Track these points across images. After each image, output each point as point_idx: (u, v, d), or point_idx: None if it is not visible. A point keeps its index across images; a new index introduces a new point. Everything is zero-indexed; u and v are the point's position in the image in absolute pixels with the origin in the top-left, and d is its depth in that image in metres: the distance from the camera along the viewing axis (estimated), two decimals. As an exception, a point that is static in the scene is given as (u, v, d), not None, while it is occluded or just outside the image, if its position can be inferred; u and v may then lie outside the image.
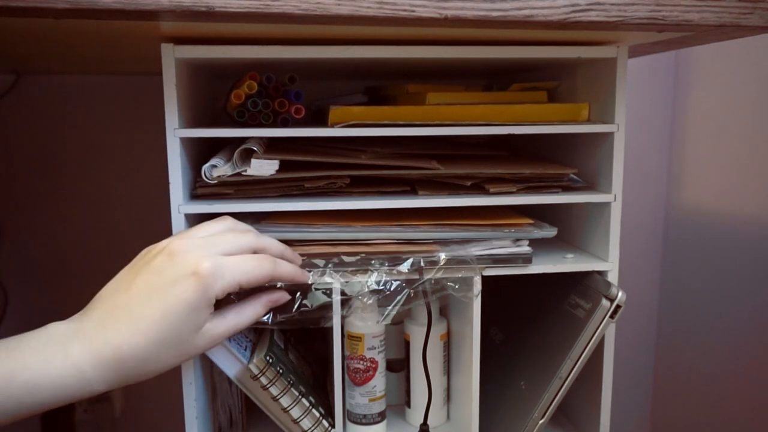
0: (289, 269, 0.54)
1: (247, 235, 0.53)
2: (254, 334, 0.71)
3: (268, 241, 0.54)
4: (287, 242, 0.65)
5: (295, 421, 0.65)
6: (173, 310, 0.46)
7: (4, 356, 0.44)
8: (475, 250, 0.65)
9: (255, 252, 0.53)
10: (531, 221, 0.68)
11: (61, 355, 0.44)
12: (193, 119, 0.68)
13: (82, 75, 1.04)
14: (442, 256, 0.64)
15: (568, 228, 0.77)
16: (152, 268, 0.48)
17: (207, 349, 0.50)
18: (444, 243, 0.66)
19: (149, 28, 0.53)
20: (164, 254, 0.49)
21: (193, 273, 0.47)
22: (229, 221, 0.55)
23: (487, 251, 0.65)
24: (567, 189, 0.69)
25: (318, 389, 0.72)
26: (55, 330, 0.46)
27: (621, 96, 0.65)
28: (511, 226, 0.66)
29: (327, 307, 0.61)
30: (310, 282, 0.59)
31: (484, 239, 0.66)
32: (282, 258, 0.55)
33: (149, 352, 0.46)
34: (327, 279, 0.61)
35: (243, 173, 0.61)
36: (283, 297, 0.55)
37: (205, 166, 0.61)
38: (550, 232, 0.67)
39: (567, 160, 0.76)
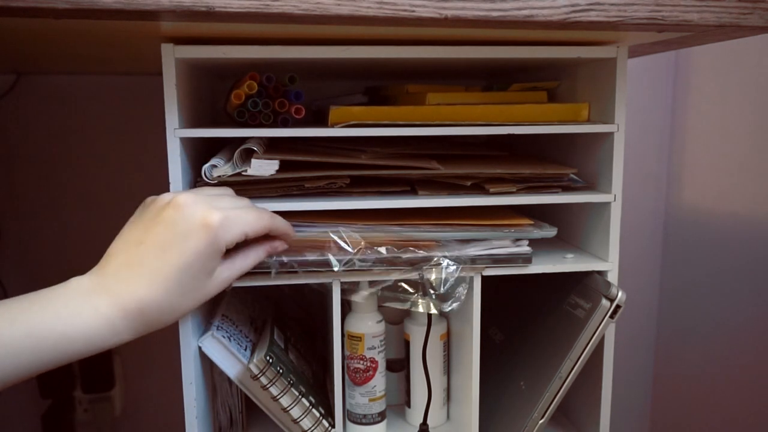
0: (283, 223, 0.58)
1: (244, 199, 0.58)
2: (254, 334, 0.71)
3: (262, 207, 0.59)
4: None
5: (295, 421, 0.65)
6: (188, 262, 0.50)
7: (37, 308, 0.46)
8: (475, 250, 0.65)
9: None
10: (531, 221, 0.68)
11: (89, 308, 0.47)
12: (193, 119, 0.68)
13: (82, 75, 1.04)
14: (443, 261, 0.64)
15: (568, 228, 0.77)
16: (162, 221, 0.51)
17: (218, 292, 0.54)
18: (444, 244, 0.67)
19: (149, 28, 0.53)
20: (172, 207, 0.51)
21: (204, 225, 0.50)
22: (227, 189, 0.59)
23: (487, 251, 0.65)
24: (567, 189, 0.69)
25: (318, 389, 0.72)
26: (78, 284, 0.49)
27: (621, 96, 0.65)
28: (511, 226, 0.66)
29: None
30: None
31: (484, 239, 0.66)
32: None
33: (168, 302, 0.50)
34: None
35: (243, 173, 0.61)
36: (281, 245, 0.59)
37: (205, 166, 0.61)
38: (550, 232, 0.67)
39: (567, 160, 0.76)
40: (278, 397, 0.64)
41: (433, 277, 0.64)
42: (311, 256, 0.62)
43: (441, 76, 0.91)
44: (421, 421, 0.69)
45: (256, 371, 0.63)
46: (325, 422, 0.67)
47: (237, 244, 0.55)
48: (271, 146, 0.67)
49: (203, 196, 0.53)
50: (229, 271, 0.54)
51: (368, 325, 0.70)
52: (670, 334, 1.19)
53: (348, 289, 0.66)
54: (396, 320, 0.79)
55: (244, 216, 0.53)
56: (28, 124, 1.05)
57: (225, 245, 0.52)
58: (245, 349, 0.66)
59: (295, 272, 0.62)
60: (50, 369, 0.47)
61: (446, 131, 0.63)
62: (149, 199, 0.55)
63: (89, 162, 1.07)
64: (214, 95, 0.87)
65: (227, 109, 0.73)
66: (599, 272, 0.68)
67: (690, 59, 1.10)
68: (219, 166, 0.61)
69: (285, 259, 0.61)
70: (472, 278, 0.66)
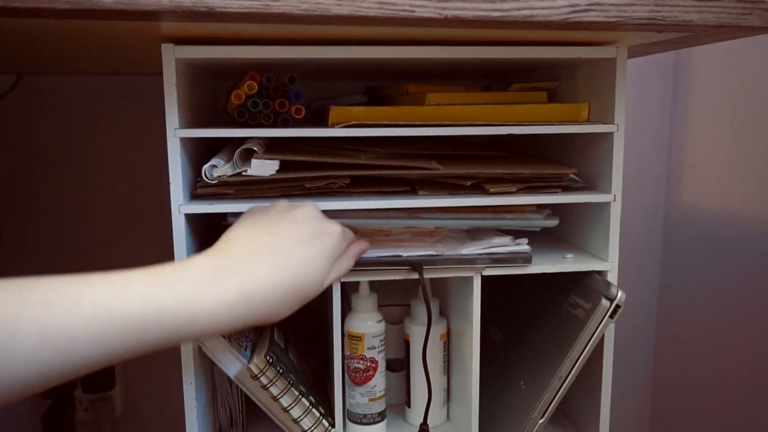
0: (361, 250, 0.61)
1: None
2: (254, 334, 0.71)
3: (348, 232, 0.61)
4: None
5: (295, 421, 0.65)
6: (315, 258, 0.52)
7: (157, 284, 0.43)
8: (475, 250, 0.65)
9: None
10: (534, 206, 0.67)
11: (217, 289, 0.45)
12: (193, 119, 0.68)
13: (82, 75, 1.04)
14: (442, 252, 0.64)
15: (568, 228, 0.77)
16: (296, 219, 0.53)
17: (313, 297, 0.54)
18: (444, 241, 0.67)
19: (149, 28, 0.53)
20: (305, 208, 0.55)
21: (330, 233, 0.54)
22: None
23: (487, 251, 0.65)
24: (567, 189, 0.69)
25: (318, 389, 0.72)
26: (202, 265, 0.47)
27: (621, 96, 0.65)
28: (513, 211, 0.66)
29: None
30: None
31: (486, 226, 0.66)
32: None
33: (287, 293, 0.50)
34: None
35: (243, 173, 0.61)
36: (367, 247, 0.61)
37: (206, 166, 0.61)
38: (552, 221, 0.67)
39: (567, 160, 0.76)
40: (278, 397, 0.64)
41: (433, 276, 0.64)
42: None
43: (441, 76, 0.91)
44: (421, 421, 0.69)
45: (256, 371, 0.63)
46: (325, 422, 0.67)
47: None
48: (271, 146, 0.68)
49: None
50: (329, 280, 0.55)
51: (368, 325, 0.70)
52: (670, 334, 1.19)
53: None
54: (396, 320, 0.79)
55: (348, 230, 0.58)
56: (28, 124, 1.05)
57: (337, 256, 0.55)
58: (245, 349, 0.66)
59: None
60: (156, 351, 0.43)
61: (446, 131, 0.63)
62: (258, 207, 0.57)
63: (89, 162, 1.07)
64: (214, 95, 0.87)
65: (227, 109, 0.73)
66: (599, 272, 0.68)
67: (690, 59, 1.11)
68: (219, 166, 0.61)
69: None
70: (472, 278, 0.66)
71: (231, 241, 0.51)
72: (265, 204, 0.57)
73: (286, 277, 0.49)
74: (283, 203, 0.56)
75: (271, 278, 0.49)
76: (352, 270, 0.63)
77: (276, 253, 0.50)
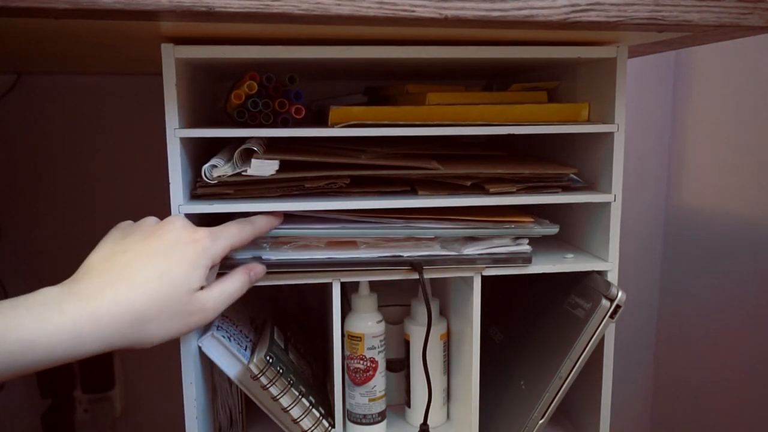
0: (264, 221, 0.59)
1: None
2: (254, 334, 0.71)
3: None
4: (289, 239, 0.65)
5: (295, 421, 0.65)
6: (173, 268, 0.49)
7: (6, 312, 0.44)
8: (475, 250, 0.65)
9: None
10: (532, 218, 0.68)
11: (56, 313, 0.45)
12: (193, 119, 0.68)
13: (82, 75, 1.04)
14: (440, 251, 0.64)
15: (568, 228, 0.77)
16: (151, 233, 0.51)
17: (200, 323, 0.52)
18: (445, 243, 0.67)
19: (149, 28, 0.53)
20: (165, 223, 0.52)
21: (193, 240, 0.51)
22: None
23: (487, 251, 0.65)
24: (567, 189, 0.69)
25: (318, 389, 0.72)
26: (48, 291, 0.46)
27: (621, 96, 0.65)
28: (512, 222, 0.66)
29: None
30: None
31: (485, 236, 0.66)
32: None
33: (147, 310, 0.47)
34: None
35: (243, 173, 0.61)
36: (262, 269, 0.59)
37: (205, 166, 0.61)
38: (552, 229, 0.67)
39: (567, 160, 0.76)
40: (278, 397, 0.64)
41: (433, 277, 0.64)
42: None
43: (441, 76, 0.91)
44: (421, 421, 0.69)
45: (256, 371, 0.63)
46: (325, 422, 0.67)
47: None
48: (271, 146, 0.67)
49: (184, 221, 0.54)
50: (211, 297, 0.52)
51: (368, 325, 0.70)
52: (670, 334, 1.19)
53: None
54: (396, 320, 0.79)
55: (227, 230, 0.55)
56: (28, 124, 1.05)
57: (213, 258, 0.52)
58: (245, 349, 0.66)
59: (296, 272, 0.62)
60: (18, 376, 0.44)
61: (446, 131, 0.63)
62: (124, 223, 0.56)
63: (89, 162, 1.07)
64: (214, 95, 0.87)
65: (227, 109, 0.73)
66: (599, 272, 0.68)
67: (690, 59, 1.10)
68: (219, 166, 0.61)
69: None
70: (472, 278, 0.66)
71: (86, 265, 0.50)
72: (129, 222, 0.55)
73: (138, 293, 0.47)
74: (149, 220, 0.54)
75: (120, 297, 0.47)
76: (352, 270, 0.63)
77: (128, 270, 0.48)
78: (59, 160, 1.06)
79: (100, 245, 0.53)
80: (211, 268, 0.54)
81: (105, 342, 0.46)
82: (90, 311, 0.46)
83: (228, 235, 0.54)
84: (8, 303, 0.45)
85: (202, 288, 0.52)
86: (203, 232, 0.52)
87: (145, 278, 0.48)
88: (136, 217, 0.56)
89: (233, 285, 0.55)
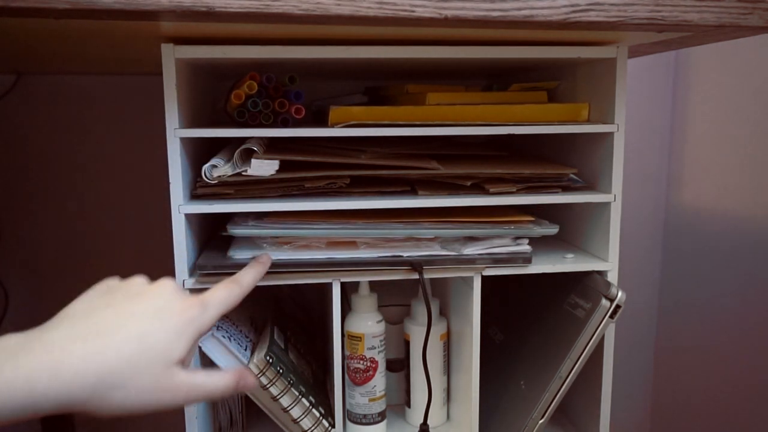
0: (250, 276, 0.54)
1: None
2: (254, 334, 0.71)
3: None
4: (289, 239, 0.65)
5: (295, 421, 0.65)
6: (156, 333, 0.43)
7: None
8: (475, 250, 0.65)
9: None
10: (532, 218, 0.68)
11: (9, 364, 0.39)
12: (193, 119, 0.68)
13: (82, 75, 1.04)
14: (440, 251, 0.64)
15: (568, 228, 0.77)
16: (138, 293, 0.46)
17: (168, 404, 0.45)
18: (445, 243, 0.67)
19: (149, 28, 0.53)
20: (149, 285, 0.47)
21: (183, 308, 0.45)
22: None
23: (487, 251, 0.65)
24: (567, 189, 0.69)
25: (318, 389, 0.72)
26: (9, 339, 0.41)
27: (621, 96, 0.65)
28: (512, 223, 0.66)
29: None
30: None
31: (485, 236, 0.66)
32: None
33: (117, 374, 0.41)
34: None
35: (243, 173, 0.61)
36: (253, 382, 0.51)
37: (206, 166, 0.61)
38: (551, 229, 0.67)
39: (567, 160, 0.76)
40: (278, 397, 0.64)
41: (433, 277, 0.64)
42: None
43: (441, 76, 0.91)
44: (421, 421, 0.69)
45: (256, 371, 0.63)
46: (325, 422, 0.67)
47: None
48: (271, 146, 0.68)
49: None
50: (188, 379, 0.45)
51: (368, 325, 0.70)
52: (669, 334, 1.19)
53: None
54: (396, 320, 0.79)
55: (215, 297, 0.49)
56: (28, 124, 1.05)
57: (198, 331, 0.46)
58: (245, 349, 0.66)
59: (296, 272, 0.62)
60: None
61: (446, 131, 0.63)
62: (112, 279, 0.49)
63: (89, 162, 1.07)
64: (214, 95, 0.87)
65: (227, 109, 0.73)
66: (599, 272, 0.68)
67: (690, 59, 1.10)
68: (219, 166, 0.61)
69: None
70: (472, 278, 0.66)
71: (62, 314, 0.44)
72: (117, 279, 0.48)
73: (111, 353, 0.41)
74: (138, 279, 0.48)
75: (89, 353, 0.41)
76: (352, 270, 0.63)
77: (105, 325, 0.43)
78: (59, 160, 1.06)
79: (82, 296, 0.47)
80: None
81: (61, 402, 0.41)
82: (51, 365, 0.40)
83: (217, 303, 0.48)
84: None
85: (183, 363, 0.45)
86: (193, 300, 0.46)
87: (122, 338, 0.42)
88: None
89: (217, 383, 0.47)
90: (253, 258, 0.60)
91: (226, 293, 0.50)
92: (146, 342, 0.43)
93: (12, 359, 0.39)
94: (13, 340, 0.41)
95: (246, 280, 0.53)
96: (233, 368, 0.50)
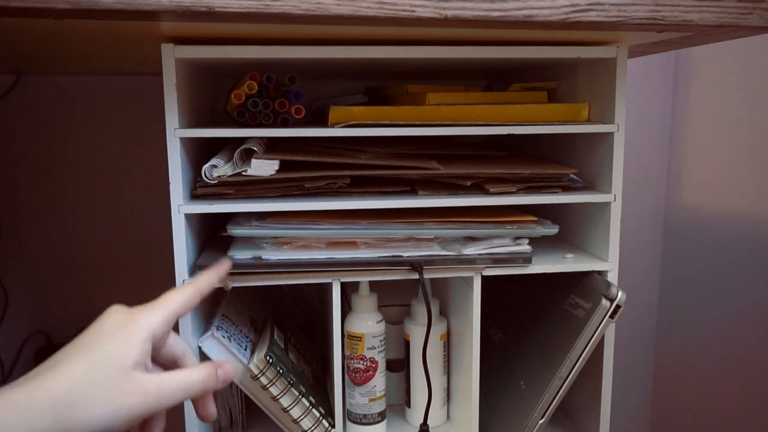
0: (205, 276, 0.53)
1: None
2: (254, 334, 0.71)
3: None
4: (289, 239, 0.65)
5: (295, 421, 0.65)
6: (101, 347, 0.44)
7: None
8: (475, 250, 0.65)
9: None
10: (535, 218, 0.68)
11: None
12: (193, 119, 0.68)
13: (82, 75, 1.04)
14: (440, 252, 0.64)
15: (568, 228, 0.77)
16: (86, 331, 0.46)
17: (143, 406, 0.44)
18: (445, 243, 0.67)
19: (149, 28, 0.53)
20: (113, 312, 0.47)
21: (124, 320, 0.46)
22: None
23: (487, 251, 0.65)
24: (567, 189, 0.69)
25: (318, 389, 0.72)
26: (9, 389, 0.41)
27: (621, 96, 0.65)
28: (513, 222, 0.66)
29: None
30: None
31: (485, 236, 0.66)
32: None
33: (70, 392, 0.42)
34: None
35: (243, 173, 0.61)
36: (233, 370, 0.51)
37: (206, 166, 0.61)
38: (552, 229, 0.67)
39: (567, 160, 0.76)
40: (278, 397, 0.64)
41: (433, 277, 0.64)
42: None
43: (441, 76, 0.91)
44: (421, 421, 0.69)
45: (256, 371, 0.63)
46: (325, 422, 0.67)
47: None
48: (271, 146, 0.68)
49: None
50: (155, 381, 0.45)
51: (368, 325, 0.70)
52: (670, 333, 1.19)
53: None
54: (396, 320, 0.79)
55: (163, 299, 0.49)
56: (28, 124, 1.05)
57: (148, 331, 0.46)
58: (245, 349, 0.66)
59: (296, 272, 0.62)
60: None
61: (446, 131, 0.63)
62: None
63: (89, 162, 1.07)
64: (214, 95, 0.87)
65: (227, 109, 0.73)
66: (599, 272, 0.68)
67: (690, 59, 1.10)
68: (219, 166, 0.61)
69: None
70: (472, 278, 0.66)
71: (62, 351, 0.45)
72: (121, 308, 0.48)
73: (60, 377, 0.42)
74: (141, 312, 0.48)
75: (39, 383, 0.42)
76: (352, 270, 0.63)
77: (54, 361, 0.43)
78: (59, 160, 1.06)
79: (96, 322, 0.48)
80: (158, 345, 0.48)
81: (28, 430, 0.41)
82: (8, 401, 0.41)
83: (165, 303, 0.48)
84: None
85: (145, 366, 0.46)
86: (135, 309, 0.47)
87: (69, 364, 0.43)
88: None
89: (192, 377, 0.48)
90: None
91: (179, 294, 0.50)
92: (94, 355, 0.44)
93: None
94: (7, 389, 0.41)
95: (202, 281, 0.53)
96: (209, 362, 0.50)
